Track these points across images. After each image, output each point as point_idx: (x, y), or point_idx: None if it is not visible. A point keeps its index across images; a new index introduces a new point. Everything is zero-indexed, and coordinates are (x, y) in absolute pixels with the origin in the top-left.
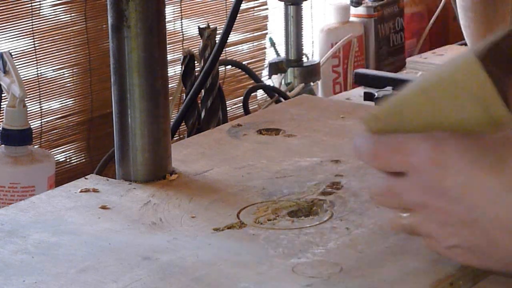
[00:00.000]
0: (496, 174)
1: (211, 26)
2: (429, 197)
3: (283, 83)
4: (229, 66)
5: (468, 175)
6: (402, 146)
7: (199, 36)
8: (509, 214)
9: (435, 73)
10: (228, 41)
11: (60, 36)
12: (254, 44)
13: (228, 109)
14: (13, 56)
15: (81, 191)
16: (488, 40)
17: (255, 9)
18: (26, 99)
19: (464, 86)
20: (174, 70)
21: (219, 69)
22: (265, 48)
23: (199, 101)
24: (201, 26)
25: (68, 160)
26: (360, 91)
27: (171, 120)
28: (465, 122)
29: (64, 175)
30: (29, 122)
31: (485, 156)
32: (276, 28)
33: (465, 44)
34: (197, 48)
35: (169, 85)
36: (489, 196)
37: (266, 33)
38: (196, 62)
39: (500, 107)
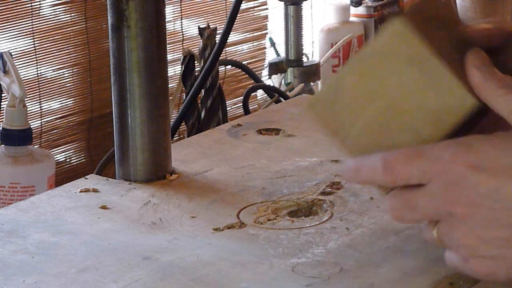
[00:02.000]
0: None
1: (211, 26)
2: (458, 205)
3: (283, 83)
4: (229, 66)
5: (508, 176)
6: (423, 155)
7: (199, 36)
8: None
9: (368, 46)
10: (228, 41)
11: (60, 36)
12: (254, 44)
13: (228, 109)
14: (13, 56)
15: (81, 191)
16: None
17: (255, 9)
18: (26, 99)
19: (396, 51)
20: (174, 70)
21: (219, 69)
22: (265, 48)
23: (199, 101)
24: (201, 26)
25: (68, 160)
26: None
27: (171, 120)
28: (404, 87)
29: (64, 175)
30: (29, 122)
31: None
32: (276, 28)
33: None
34: (197, 48)
35: (169, 85)
36: None
37: (266, 33)
38: (196, 62)
39: (434, 61)
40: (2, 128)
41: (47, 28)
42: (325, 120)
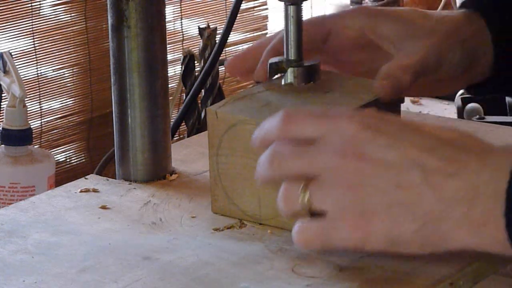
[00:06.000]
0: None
1: (211, 26)
2: (347, 158)
3: (283, 83)
4: None
5: (399, 139)
6: (322, 113)
7: (199, 36)
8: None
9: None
10: (228, 41)
11: (60, 36)
12: None
13: None
14: (13, 56)
15: (81, 191)
16: None
17: (255, 9)
18: (26, 99)
19: None
20: (174, 70)
21: (219, 69)
22: None
23: (199, 101)
24: (201, 26)
25: (68, 160)
26: None
27: (171, 120)
28: None
29: (64, 175)
30: (29, 122)
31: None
32: (276, 28)
33: None
34: (197, 48)
35: (169, 85)
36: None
37: (266, 33)
38: (196, 62)
39: None
40: (2, 128)
41: (47, 28)
42: (230, 211)
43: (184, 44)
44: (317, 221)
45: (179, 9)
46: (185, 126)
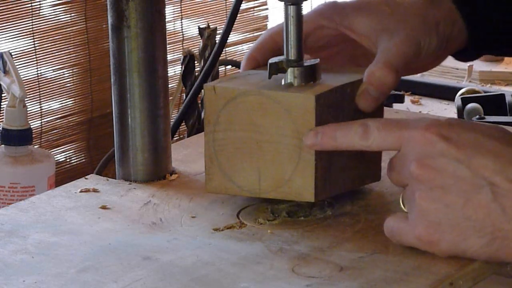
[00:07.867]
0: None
1: (211, 26)
2: (423, 167)
3: (283, 83)
4: (229, 66)
5: (475, 145)
6: (399, 124)
7: (199, 36)
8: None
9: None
10: (228, 41)
11: (60, 36)
12: None
13: None
14: (13, 56)
15: (81, 191)
16: None
17: (255, 9)
18: (26, 99)
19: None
20: (174, 70)
21: (219, 69)
22: None
23: (199, 101)
24: (201, 26)
25: (68, 160)
26: None
27: (171, 120)
28: (277, 130)
29: (64, 175)
30: (29, 122)
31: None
32: None
33: None
34: (197, 48)
35: (169, 85)
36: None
37: None
38: (196, 62)
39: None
40: (2, 128)
41: (47, 28)
42: (226, 189)
43: (184, 44)
44: (402, 216)
45: (179, 9)
46: (185, 126)
